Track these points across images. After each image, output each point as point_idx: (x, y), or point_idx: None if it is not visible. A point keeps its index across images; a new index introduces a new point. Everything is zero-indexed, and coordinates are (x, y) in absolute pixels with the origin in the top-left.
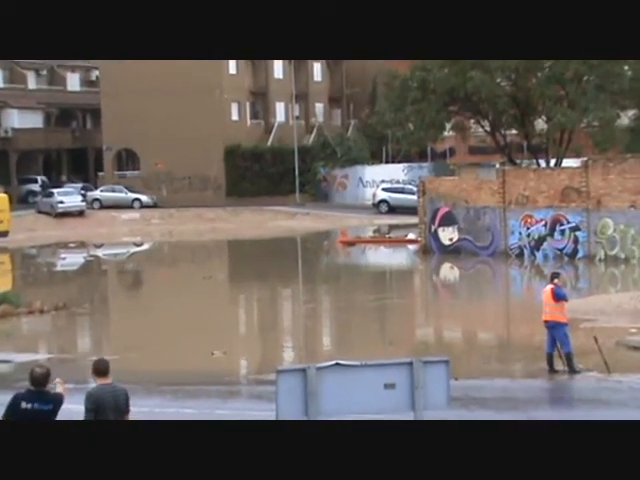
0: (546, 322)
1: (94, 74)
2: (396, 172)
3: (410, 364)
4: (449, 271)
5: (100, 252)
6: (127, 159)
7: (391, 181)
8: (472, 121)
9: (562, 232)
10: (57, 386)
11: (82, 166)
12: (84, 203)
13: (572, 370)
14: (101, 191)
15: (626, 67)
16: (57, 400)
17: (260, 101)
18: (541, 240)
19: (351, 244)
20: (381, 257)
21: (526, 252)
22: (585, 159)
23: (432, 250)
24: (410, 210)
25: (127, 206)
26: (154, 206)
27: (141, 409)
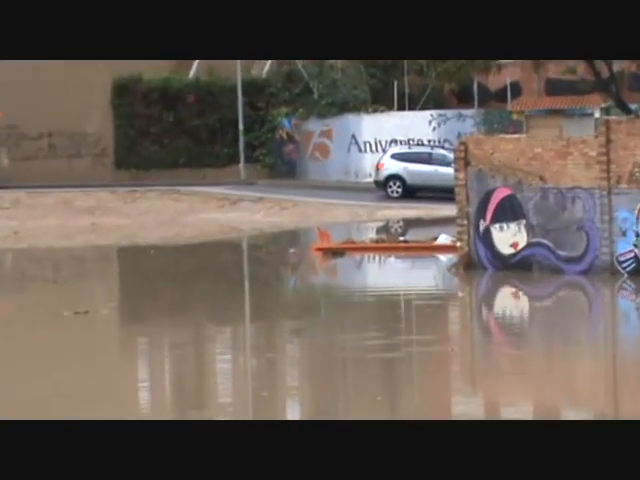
0: None
1: None
2: (418, 126)
3: None
4: (511, 301)
5: None
6: None
7: (409, 142)
8: None
9: None
10: None
11: None
12: None
13: None
14: None
15: None
16: None
17: None
18: None
19: (336, 253)
20: (390, 276)
21: None
22: None
23: (481, 264)
24: (441, 193)
25: None
26: None
27: None
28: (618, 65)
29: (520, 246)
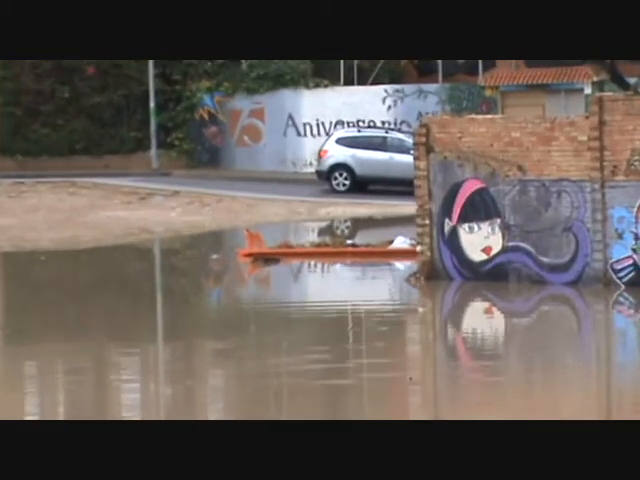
0: None
1: None
2: (369, 104)
3: None
4: (482, 318)
5: None
6: None
7: (358, 124)
8: None
9: None
10: None
11: None
12: None
13: None
14: None
15: None
16: None
17: None
18: None
19: (269, 260)
20: (336, 288)
21: None
22: None
23: (446, 272)
24: (398, 186)
25: None
26: None
27: None
28: None
29: (494, 251)
